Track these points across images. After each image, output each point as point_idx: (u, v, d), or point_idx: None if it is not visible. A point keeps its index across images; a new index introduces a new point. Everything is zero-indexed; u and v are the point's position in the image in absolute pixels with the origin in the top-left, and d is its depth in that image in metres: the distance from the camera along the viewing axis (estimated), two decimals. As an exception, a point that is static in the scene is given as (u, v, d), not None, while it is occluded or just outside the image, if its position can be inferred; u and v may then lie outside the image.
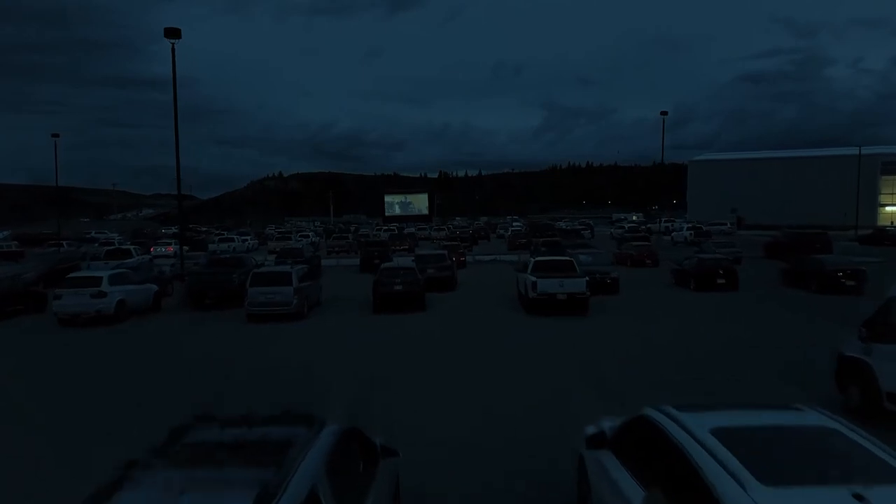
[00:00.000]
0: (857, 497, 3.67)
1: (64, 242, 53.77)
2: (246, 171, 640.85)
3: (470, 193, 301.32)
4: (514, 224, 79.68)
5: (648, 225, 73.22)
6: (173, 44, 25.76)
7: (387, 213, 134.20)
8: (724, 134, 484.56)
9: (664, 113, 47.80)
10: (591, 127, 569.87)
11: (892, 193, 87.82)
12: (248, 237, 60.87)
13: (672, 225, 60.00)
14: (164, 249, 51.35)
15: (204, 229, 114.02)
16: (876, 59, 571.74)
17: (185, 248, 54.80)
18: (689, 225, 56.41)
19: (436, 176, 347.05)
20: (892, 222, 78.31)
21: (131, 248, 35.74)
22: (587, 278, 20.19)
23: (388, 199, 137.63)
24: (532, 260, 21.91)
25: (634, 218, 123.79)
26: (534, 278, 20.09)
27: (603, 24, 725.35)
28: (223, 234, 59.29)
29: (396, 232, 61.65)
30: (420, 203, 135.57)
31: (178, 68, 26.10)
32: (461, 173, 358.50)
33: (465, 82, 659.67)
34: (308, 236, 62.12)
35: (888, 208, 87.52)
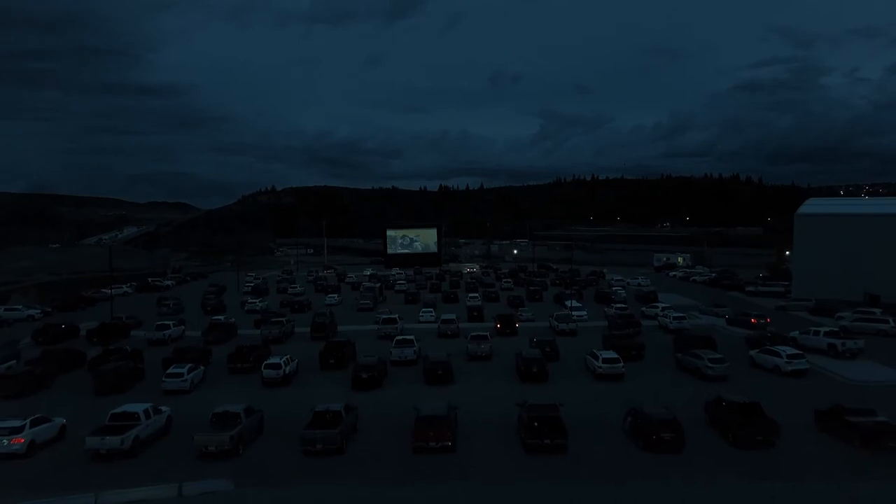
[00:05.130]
0: None
1: None
2: (244, 177, 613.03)
3: (471, 208, 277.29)
4: (576, 309, 53.18)
5: (790, 335, 40.53)
6: None
7: (389, 251, 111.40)
8: (721, 142, 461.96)
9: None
10: (590, 135, 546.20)
11: None
12: (189, 372, 35.73)
13: (845, 344, 36.47)
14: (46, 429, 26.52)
15: (168, 282, 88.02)
16: (872, 69, 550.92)
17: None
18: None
19: (436, 189, 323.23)
20: None
21: None
22: None
23: (390, 233, 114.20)
24: None
25: (681, 260, 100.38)
26: None
27: (601, 33, 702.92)
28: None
29: (427, 417, 23.14)
30: (428, 239, 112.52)
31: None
32: (461, 184, 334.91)
33: (463, 91, 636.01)
34: (283, 367, 37.01)
35: None
